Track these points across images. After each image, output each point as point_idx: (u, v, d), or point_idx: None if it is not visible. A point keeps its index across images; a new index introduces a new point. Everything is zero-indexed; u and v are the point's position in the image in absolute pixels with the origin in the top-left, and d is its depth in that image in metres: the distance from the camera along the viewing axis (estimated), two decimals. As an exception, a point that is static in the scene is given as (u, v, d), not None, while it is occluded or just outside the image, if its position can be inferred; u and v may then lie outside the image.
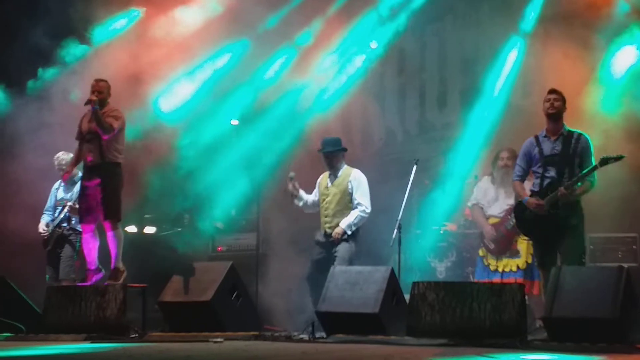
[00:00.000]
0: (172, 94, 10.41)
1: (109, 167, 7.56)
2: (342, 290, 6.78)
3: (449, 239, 8.99)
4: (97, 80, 7.69)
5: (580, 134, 6.84)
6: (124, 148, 7.67)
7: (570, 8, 8.89)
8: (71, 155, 8.19)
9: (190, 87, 10.51)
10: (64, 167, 8.48)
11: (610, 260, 8.34)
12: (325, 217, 7.91)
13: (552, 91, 6.88)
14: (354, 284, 6.77)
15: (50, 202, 8.66)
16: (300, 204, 8.11)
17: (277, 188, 9.05)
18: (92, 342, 6.66)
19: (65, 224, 8.45)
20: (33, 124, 9.50)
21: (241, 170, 9.74)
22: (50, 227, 8.48)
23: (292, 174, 8.09)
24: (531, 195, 6.87)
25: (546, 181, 6.79)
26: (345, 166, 8.03)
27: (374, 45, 10.61)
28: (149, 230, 10.23)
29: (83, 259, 7.93)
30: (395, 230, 7.60)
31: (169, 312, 7.35)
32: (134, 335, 6.98)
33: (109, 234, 7.53)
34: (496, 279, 7.78)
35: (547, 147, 6.86)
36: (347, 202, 7.87)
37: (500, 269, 7.99)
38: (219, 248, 10.05)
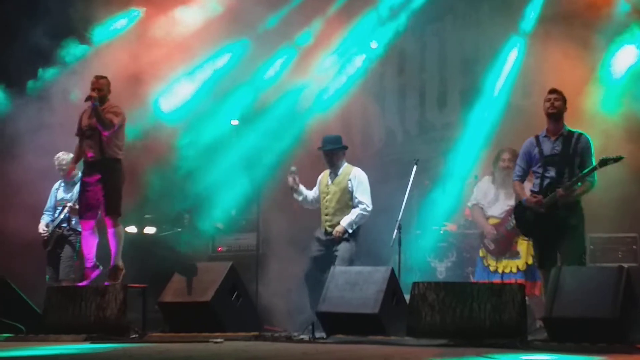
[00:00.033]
0: (172, 94, 10.41)
1: (109, 163, 7.58)
2: (342, 290, 6.78)
3: (449, 239, 8.99)
4: (97, 77, 7.71)
5: (580, 134, 6.83)
6: (124, 144, 7.70)
7: (570, 8, 8.88)
8: (71, 155, 8.20)
9: (190, 87, 10.51)
10: (64, 168, 8.48)
11: (610, 260, 8.34)
12: (326, 215, 7.91)
13: (553, 91, 6.88)
14: (354, 285, 6.77)
15: (50, 202, 8.66)
16: (300, 198, 8.11)
17: (277, 188, 9.05)
18: (92, 343, 6.66)
19: (65, 225, 8.45)
20: (33, 124, 9.50)
21: (241, 171, 9.73)
22: (50, 228, 8.48)
23: (293, 168, 8.09)
24: (534, 197, 6.86)
25: (546, 181, 6.79)
26: (346, 164, 8.03)
27: (374, 45, 10.61)
28: (149, 230, 10.23)
29: (83, 259, 7.93)
30: (395, 231, 7.60)
31: (169, 312, 7.35)
32: (134, 336, 6.98)
33: (110, 231, 7.55)
34: (496, 281, 7.77)
35: (547, 147, 6.85)
36: (347, 201, 7.87)
37: (500, 270, 7.99)
38: (219, 248, 10.05)
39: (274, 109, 10.43)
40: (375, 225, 8.21)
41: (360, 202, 7.82)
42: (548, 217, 6.70)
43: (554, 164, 6.78)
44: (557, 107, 6.82)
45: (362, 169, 8.04)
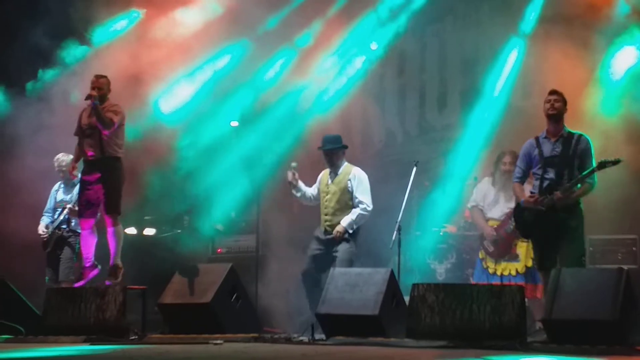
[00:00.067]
0: (172, 95, 10.41)
1: (109, 162, 7.59)
2: (342, 292, 6.77)
3: (449, 241, 8.98)
4: (97, 77, 7.72)
5: (580, 135, 6.82)
6: (123, 143, 7.71)
7: (570, 9, 8.88)
8: (71, 156, 8.19)
9: (190, 88, 10.51)
10: (64, 169, 8.48)
11: (610, 262, 8.33)
12: (325, 215, 7.91)
13: (553, 92, 6.86)
14: (354, 286, 6.76)
15: (49, 203, 8.66)
16: (298, 194, 8.09)
17: (277, 189, 9.05)
18: (91, 344, 6.65)
19: (64, 226, 8.45)
20: (33, 125, 9.50)
21: (241, 172, 9.73)
22: (50, 229, 8.48)
23: (294, 164, 8.08)
24: (530, 196, 6.85)
25: (545, 183, 6.77)
26: (346, 164, 8.02)
27: (374, 46, 10.61)
28: (149, 232, 10.23)
29: (81, 259, 7.93)
30: (395, 232, 7.60)
31: (168, 314, 7.35)
32: (133, 337, 6.98)
33: (110, 230, 7.56)
34: (495, 283, 7.76)
35: (547, 149, 6.84)
36: (347, 200, 7.86)
37: (499, 273, 7.99)
38: (219, 250, 10.05)
39: (274, 110, 10.44)
40: (375, 226, 8.20)
41: (360, 202, 7.82)
42: (547, 219, 6.69)
43: (554, 166, 6.77)
44: (557, 108, 6.81)
45: (362, 170, 8.04)
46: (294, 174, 8.01)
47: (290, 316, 8.44)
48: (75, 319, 7.15)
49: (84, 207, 7.68)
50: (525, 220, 6.89)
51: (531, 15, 9.66)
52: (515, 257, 7.99)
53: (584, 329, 5.83)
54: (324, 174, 8.08)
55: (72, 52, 10.02)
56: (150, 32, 10.14)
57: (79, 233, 8.03)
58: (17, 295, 7.61)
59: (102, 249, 7.78)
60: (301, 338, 6.84)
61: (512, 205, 7.61)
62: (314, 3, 10.38)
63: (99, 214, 7.74)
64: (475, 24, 10.49)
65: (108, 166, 7.59)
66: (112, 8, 10.03)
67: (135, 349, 6.34)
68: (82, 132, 7.71)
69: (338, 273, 7.00)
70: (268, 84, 10.57)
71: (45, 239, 8.48)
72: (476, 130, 9.73)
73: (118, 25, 10.30)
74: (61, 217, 8.45)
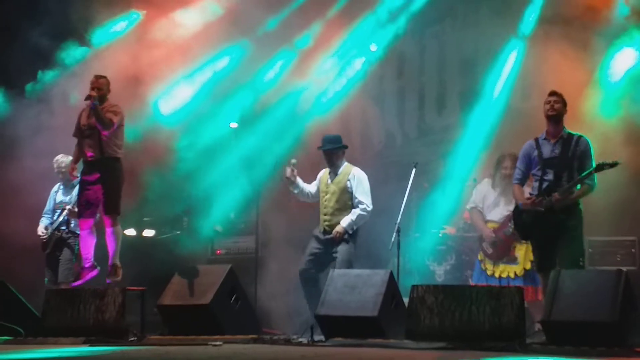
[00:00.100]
0: (172, 96, 10.41)
1: (108, 162, 7.59)
2: (341, 293, 6.77)
3: (448, 242, 8.99)
4: (97, 77, 7.73)
5: (580, 137, 6.81)
6: (123, 143, 7.71)
7: (569, 10, 8.88)
8: (70, 158, 8.19)
9: (190, 89, 10.51)
10: (63, 170, 8.48)
11: (609, 263, 8.34)
12: (325, 215, 7.90)
13: (553, 93, 6.86)
14: (353, 287, 6.77)
15: (49, 205, 8.65)
16: (296, 191, 8.07)
17: (277, 190, 9.04)
18: (90, 346, 6.66)
19: (64, 227, 8.45)
20: (32, 126, 9.50)
21: (240, 173, 9.73)
22: (49, 230, 8.48)
23: (293, 160, 8.08)
24: (529, 198, 6.85)
25: (544, 184, 6.77)
26: (346, 164, 8.01)
27: (373, 48, 10.60)
28: (148, 233, 10.23)
29: (80, 260, 7.93)
30: (394, 234, 7.59)
31: (168, 315, 7.35)
32: (132, 339, 6.98)
33: (109, 230, 7.56)
34: (494, 285, 7.75)
35: (547, 150, 6.83)
36: (346, 201, 7.86)
37: (497, 275, 7.98)
38: (218, 251, 10.05)
39: (273, 111, 10.43)
40: (374, 228, 8.21)
41: (360, 202, 7.82)
42: (546, 220, 6.69)
43: (553, 167, 6.77)
44: (556, 109, 6.81)
45: (362, 170, 8.02)
46: (292, 170, 8.00)
47: (290, 317, 8.44)
48: (75, 320, 7.16)
49: (84, 207, 7.68)
50: (524, 222, 6.89)
51: (530, 16, 9.66)
52: (514, 260, 7.99)
53: (583, 330, 5.84)
54: (324, 173, 8.07)
55: (72, 53, 10.02)
56: (150, 33, 10.13)
57: (78, 234, 8.03)
58: (16, 297, 7.61)
59: (101, 250, 7.78)
60: (300, 339, 6.84)
61: (512, 208, 7.61)
62: (314, 4, 10.37)
63: (98, 215, 7.74)
64: (474, 26, 10.48)
65: (107, 166, 7.59)
66: (112, 9, 10.03)
67: (134, 350, 6.34)
68: (81, 133, 7.70)
69: (337, 274, 7.00)
70: (268, 85, 10.57)
71: (44, 241, 8.48)
72: (475, 131, 9.73)
73: (118, 27, 10.30)
74: (60, 219, 8.45)
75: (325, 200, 7.93)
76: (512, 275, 7.93)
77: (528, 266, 7.86)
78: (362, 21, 10.57)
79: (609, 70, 8.95)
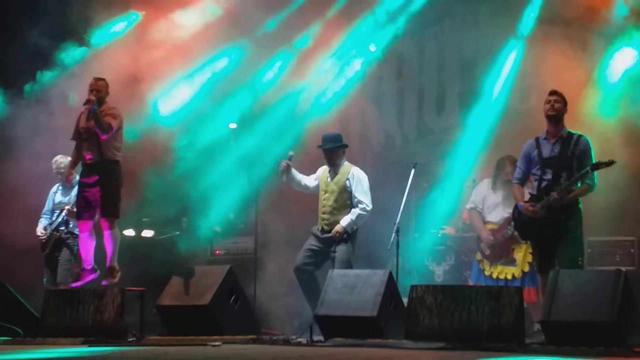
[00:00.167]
0: (171, 97, 10.41)
1: (107, 165, 7.58)
2: (341, 293, 6.77)
3: (447, 243, 8.99)
4: (96, 79, 7.71)
5: (580, 136, 6.79)
6: (122, 146, 7.70)
7: (568, 11, 8.87)
8: (69, 158, 8.18)
9: (190, 90, 10.51)
10: (62, 171, 8.48)
11: (608, 263, 8.34)
12: (323, 213, 7.90)
13: (553, 92, 6.84)
14: (352, 288, 6.76)
15: (48, 205, 8.65)
16: (291, 183, 8.03)
17: (276, 191, 9.05)
18: (89, 346, 6.65)
19: (63, 228, 8.45)
20: (31, 127, 9.50)
21: (239, 174, 9.73)
22: (48, 231, 8.48)
23: (291, 152, 8.06)
24: (530, 200, 6.85)
25: (543, 184, 6.77)
26: (346, 163, 8.01)
27: (372, 48, 10.60)
28: (147, 233, 10.22)
29: (79, 261, 7.92)
30: (394, 234, 7.59)
31: (167, 315, 7.34)
32: (131, 339, 6.98)
33: (106, 233, 7.54)
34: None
35: (546, 150, 6.83)
36: (345, 200, 7.85)
37: (494, 276, 7.98)
38: (217, 251, 10.05)
39: (272, 111, 10.44)
40: (373, 228, 8.21)
41: (359, 202, 7.81)
42: (546, 220, 6.69)
43: (552, 166, 6.76)
44: (557, 109, 6.79)
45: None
46: (287, 164, 7.97)
47: (289, 318, 8.44)
48: (74, 320, 7.15)
49: (82, 209, 7.66)
50: (524, 222, 6.88)
51: (529, 17, 9.65)
52: (512, 262, 7.98)
53: (582, 330, 5.84)
54: (324, 171, 8.06)
55: (71, 53, 10.01)
56: (149, 33, 10.13)
57: (77, 235, 8.02)
58: (15, 297, 7.60)
59: (99, 251, 7.77)
60: (300, 340, 6.85)
61: (511, 210, 7.59)
62: (313, 5, 10.38)
63: (97, 217, 7.73)
64: (473, 26, 10.49)
65: (106, 169, 7.57)
66: (111, 10, 10.02)
67: (133, 350, 6.34)
68: (80, 136, 7.69)
69: (337, 275, 7.00)
70: (267, 85, 10.57)
71: (43, 241, 8.47)
72: (474, 132, 9.73)
73: (117, 27, 10.30)
74: (59, 219, 8.45)
75: (324, 199, 7.92)
76: (509, 277, 7.93)
77: (526, 268, 7.86)
78: (361, 22, 10.58)
79: (608, 70, 8.95)
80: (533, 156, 6.88)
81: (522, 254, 7.90)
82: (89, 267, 7.74)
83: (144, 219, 10.17)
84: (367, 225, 8.01)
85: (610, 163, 6.54)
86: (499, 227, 8.07)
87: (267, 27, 10.46)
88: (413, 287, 6.47)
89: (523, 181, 7.02)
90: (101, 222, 7.59)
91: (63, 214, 8.40)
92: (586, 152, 6.74)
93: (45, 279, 8.46)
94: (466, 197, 8.66)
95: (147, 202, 9.75)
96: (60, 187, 8.65)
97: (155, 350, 6.32)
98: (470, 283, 8.23)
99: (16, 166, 9.29)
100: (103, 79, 7.75)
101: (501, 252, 8.02)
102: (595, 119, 8.49)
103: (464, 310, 6.18)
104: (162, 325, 7.40)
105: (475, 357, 5.52)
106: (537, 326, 7.12)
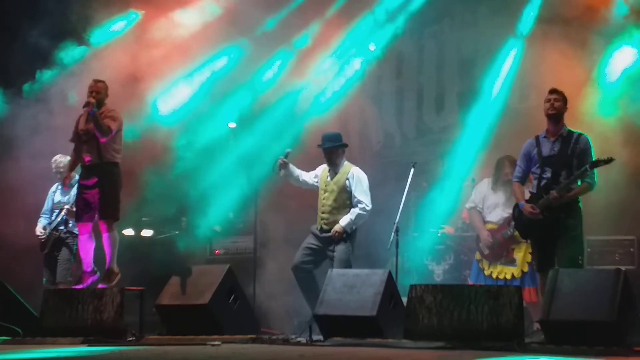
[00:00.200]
0: (171, 96, 10.41)
1: (107, 167, 7.57)
2: (340, 293, 6.77)
3: (447, 242, 8.99)
4: (96, 81, 7.70)
5: (580, 135, 6.79)
6: (121, 148, 7.68)
7: (568, 10, 8.87)
8: (68, 158, 8.18)
9: (189, 89, 10.51)
10: (61, 170, 8.47)
11: (607, 262, 8.34)
12: (322, 212, 7.89)
13: (553, 91, 6.83)
14: (352, 287, 6.76)
15: (47, 205, 8.65)
16: (288, 177, 8.02)
17: (275, 190, 9.04)
18: (89, 346, 6.65)
19: (62, 227, 8.45)
20: (30, 126, 9.49)
21: (239, 173, 9.73)
22: (48, 230, 8.47)
23: (288, 150, 8.04)
24: (530, 198, 6.85)
25: (543, 182, 6.77)
26: (346, 163, 8.00)
27: (372, 47, 10.60)
28: (146, 233, 10.22)
29: (79, 261, 7.92)
30: (393, 233, 7.59)
31: (166, 315, 7.34)
32: (131, 339, 6.97)
33: (104, 236, 7.53)
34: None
35: (546, 148, 6.82)
36: (345, 200, 7.84)
37: (494, 276, 7.98)
38: (217, 251, 10.04)
39: (272, 111, 10.44)
40: (372, 227, 8.21)
41: (359, 202, 7.80)
42: (546, 219, 6.68)
43: (551, 165, 6.75)
44: (556, 108, 6.78)
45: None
46: (283, 161, 7.95)
47: (289, 317, 8.44)
48: (73, 320, 7.15)
49: (82, 211, 7.64)
50: (524, 221, 6.88)
51: (529, 16, 9.66)
52: (512, 262, 7.97)
53: (582, 329, 5.84)
54: (324, 170, 8.05)
55: (71, 52, 10.01)
56: (148, 33, 10.13)
57: (77, 234, 8.02)
58: (14, 297, 7.60)
59: (98, 253, 7.76)
60: (299, 339, 6.84)
61: (511, 211, 7.59)
62: (312, 4, 10.38)
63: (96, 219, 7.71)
64: (472, 26, 10.49)
65: (106, 171, 7.56)
66: (110, 9, 10.02)
67: (132, 350, 6.34)
68: (79, 138, 7.68)
69: (336, 274, 7.00)
70: (266, 85, 10.58)
71: (42, 240, 8.47)
72: (474, 131, 9.73)
73: (117, 26, 10.30)
74: (59, 219, 8.44)
75: (324, 199, 7.91)
76: (509, 277, 7.93)
77: (526, 268, 7.86)
78: (361, 21, 10.58)
79: (607, 69, 8.95)
80: (533, 155, 6.88)
81: (522, 254, 7.90)
82: (89, 270, 7.73)
83: (143, 219, 10.17)
84: (367, 225, 8.01)
85: (609, 160, 6.54)
86: (498, 227, 8.07)
87: (267, 26, 10.46)
88: (412, 287, 6.47)
89: (523, 180, 7.01)
90: (99, 224, 7.56)
91: (62, 213, 8.39)
92: (586, 150, 6.73)
93: (44, 279, 8.46)
94: (465, 196, 8.66)
95: (146, 201, 9.75)
96: (60, 187, 8.65)
97: (154, 349, 6.32)
98: (470, 282, 8.22)
99: (16, 165, 9.28)
100: (102, 81, 7.73)
101: (500, 252, 8.02)
102: (594, 118, 8.49)
103: (464, 309, 6.17)
104: (162, 324, 7.40)
105: (475, 357, 5.52)
106: (536, 326, 7.12)
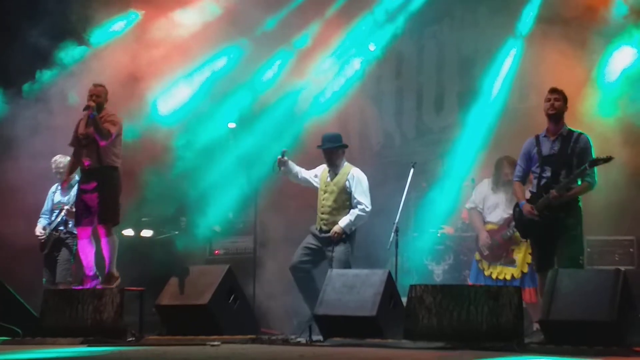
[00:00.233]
0: (171, 96, 10.41)
1: (106, 171, 7.56)
2: (340, 293, 6.77)
3: (446, 242, 8.99)
4: (95, 85, 7.68)
5: (580, 134, 6.77)
6: (121, 152, 7.67)
7: (567, 10, 8.87)
8: (68, 158, 8.17)
9: (189, 89, 10.51)
10: (61, 170, 8.47)
11: (607, 263, 8.35)
12: (322, 213, 7.89)
13: (553, 90, 6.82)
14: (351, 287, 6.76)
15: (47, 205, 8.64)
16: (288, 174, 8.02)
17: (275, 191, 9.04)
18: (89, 346, 6.66)
19: (62, 227, 8.44)
20: (30, 126, 9.49)
21: (238, 173, 9.73)
22: (47, 231, 8.47)
23: (284, 149, 8.04)
24: (530, 198, 6.85)
25: (543, 181, 6.77)
26: (346, 164, 7.99)
27: (372, 47, 10.61)
28: (146, 233, 10.22)
29: (79, 262, 7.91)
30: (393, 233, 7.59)
31: (166, 315, 7.34)
32: (131, 339, 6.98)
33: (103, 240, 7.50)
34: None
35: (546, 147, 6.82)
36: (344, 200, 7.84)
37: (494, 276, 7.97)
38: (216, 251, 10.04)
39: (271, 111, 10.44)
40: (372, 228, 8.21)
41: (359, 203, 7.80)
42: (546, 219, 6.68)
43: (551, 164, 6.75)
44: (557, 107, 6.77)
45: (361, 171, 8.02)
46: (282, 160, 7.94)
47: (288, 317, 8.44)
48: (73, 320, 7.15)
49: (81, 215, 7.63)
50: (524, 221, 6.88)
51: (528, 16, 9.66)
52: (511, 262, 7.97)
53: (582, 329, 5.84)
54: (324, 171, 8.05)
55: (71, 52, 10.00)
56: (148, 33, 10.13)
57: (76, 234, 8.01)
58: (14, 297, 7.60)
59: (97, 255, 7.75)
60: (299, 339, 6.84)
61: (512, 212, 7.58)
62: (312, 4, 10.38)
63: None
64: (472, 26, 10.50)
65: (105, 176, 7.55)
66: (110, 9, 10.02)
67: (132, 350, 6.34)
68: (79, 142, 7.66)
69: (335, 274, 7.00)
70: (266, 85, 10.58)
71: (42, 241, 8.47)
72: (473, 132, 9.74)
73: (116, 26, 10.30)
74: (58, 219, 8.44)
75: (324, 199, 7.91)
76: (508, 277, 7.92)
77: (525, 269, 7.86)
78: (361, 21, 10.58)
79: (607, 69, 8.95)
80: (533, 154, 6.88)
81: (522, 255, 7.89)
82: (91, 274, 7.71)
83: (143, 219, 10.17)
84: (366, 225, 8.01)
85: (608, 159, 6.53)
86: (498, 228, 8.07)
87: (267, 26, 10.46)
88: (412, 287, 6.47)
89: (523, 179, 7.01)
90: (98, 228, 7.53)
91: (62, 213, 8.39)
92: (586, 149, 6.72)
93: (44, 279, 8.46)
94: (465, 196, 8.66)
95: (146, 201, 9.75)
96: (59, 187, 8.64)
97: (154, 350, 6.32)
98: (470, 282, 8.22)
99: (15, 165, 9.28)
100: (102, 85, 7.71)
101: (500, 253, 8.02)
102: (594, 118, 8.49)
103: (463, 309, 6.17)
104: (161, 324, 7.40)
105: (475, 357, 5.52)
106: (536, 326, 7.12)
